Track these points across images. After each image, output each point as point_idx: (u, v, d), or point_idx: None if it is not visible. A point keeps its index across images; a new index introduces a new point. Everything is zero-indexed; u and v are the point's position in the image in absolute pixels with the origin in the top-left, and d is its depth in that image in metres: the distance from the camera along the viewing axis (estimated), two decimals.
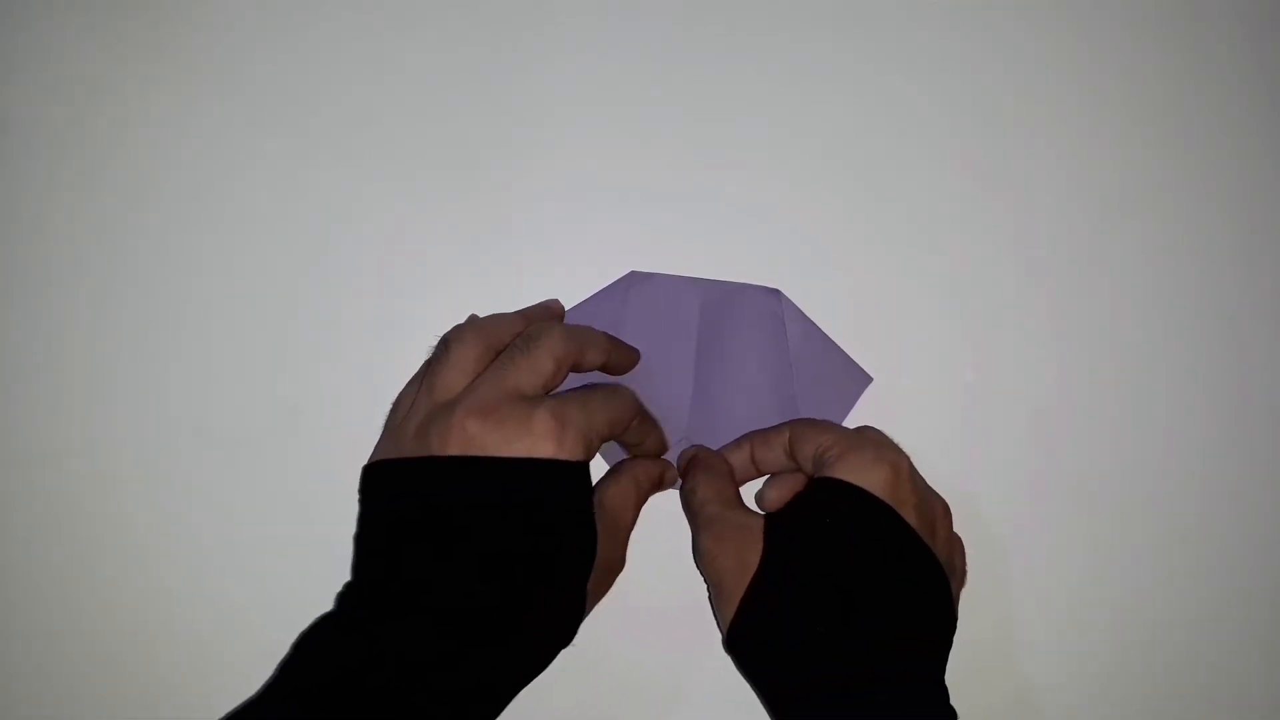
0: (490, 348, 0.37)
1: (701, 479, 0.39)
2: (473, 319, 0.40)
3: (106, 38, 0.44)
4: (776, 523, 0.36)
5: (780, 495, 0.39)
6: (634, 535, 0.38)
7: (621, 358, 0.40)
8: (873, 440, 0.37)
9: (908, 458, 0.37)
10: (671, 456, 0.42)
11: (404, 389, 0.39)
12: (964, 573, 0.39)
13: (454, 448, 0.33)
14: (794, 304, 0.43)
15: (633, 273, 0.43)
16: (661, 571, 0.40)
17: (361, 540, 0.36)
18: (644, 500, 0.39)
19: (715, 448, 0.41)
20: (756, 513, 0.37)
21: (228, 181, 0.44)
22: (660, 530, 0.40)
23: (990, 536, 0.40)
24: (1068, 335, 0.44)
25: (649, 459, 0.40)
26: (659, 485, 0.40)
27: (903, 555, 0.35)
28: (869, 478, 0.35)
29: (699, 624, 0.39)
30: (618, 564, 0.38)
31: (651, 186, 0.44)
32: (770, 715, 0.35)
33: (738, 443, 0.40)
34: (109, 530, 0.41)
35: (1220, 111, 0.46)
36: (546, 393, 0.36)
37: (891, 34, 0.46)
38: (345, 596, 0.35)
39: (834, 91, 0.45)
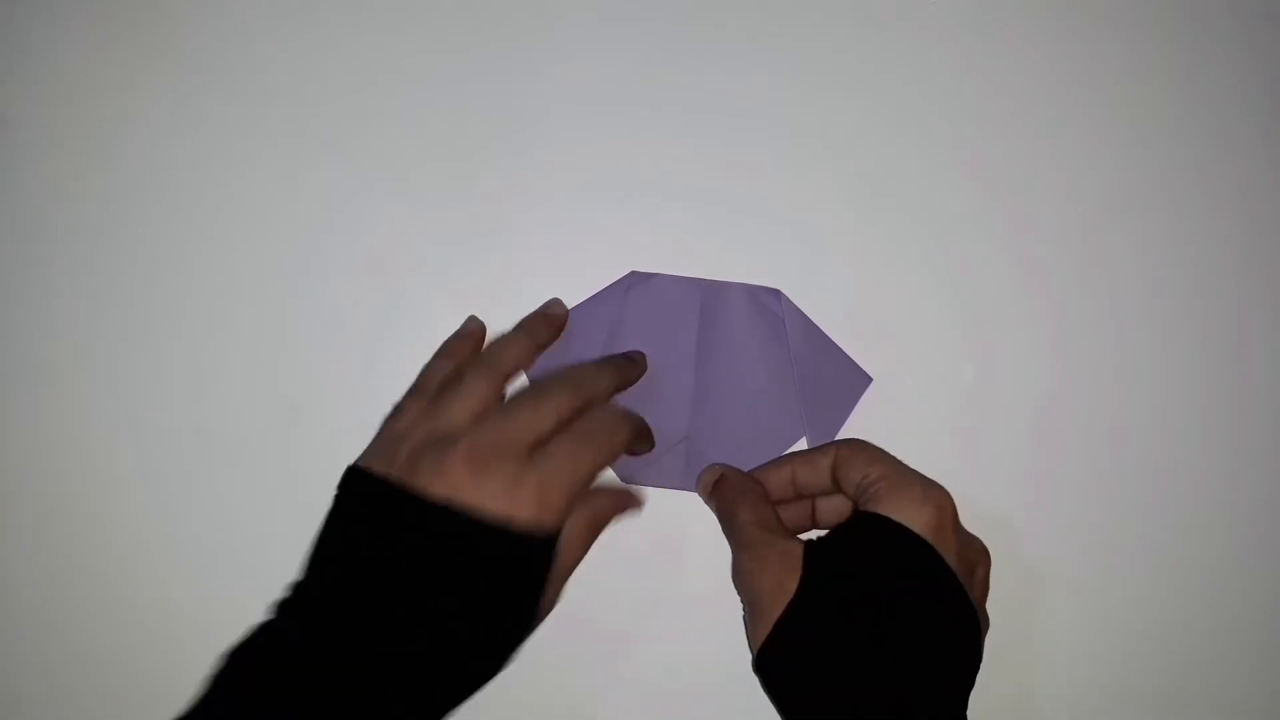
0: (501, 383, 0.38)
1: (741, 502, 0.39)
2: (474, 331, 0.41)
3: (106, 38, 0.44)
4: (817, 551, 0.36)
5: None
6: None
7: (627, 379, 0.41)
8: (920, 478, 0.37)
9: (952, 500, 0.37)
10: (674, 457, 0.42)
11: (407, 397, 0.39)
12: (987, 619, 0.38)
13: (439, 489, 0.34)
14: (794, 304, 0.43)
15: (632, 272, 0.43)
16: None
17: (323, 542, 0.36)
18: (598, 535, 0.39)
19: (716, 448, 0.42)
20: (797, 540, 0.37)
21: (228, 181, 0.44)
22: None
23: (990, 537, 0.40)
24: (1068, 335, 0.44)
25: (611, 491, 0.40)
26: (619, 517, 0.40)
27: (940, 596, 0.35)
28: (914, 516, 0.35)
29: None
30: (550, 607, 0.38)
31: (653, 186, 0.44)
32: None
33: (778, 462, 0.40)
34: (110, 530, 0.41)
35: (1220, 111, 0.46)
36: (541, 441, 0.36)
37: (892, 34, 0.46)
38: (287, 604, 0.35)
39: (835, 91, 0.45)
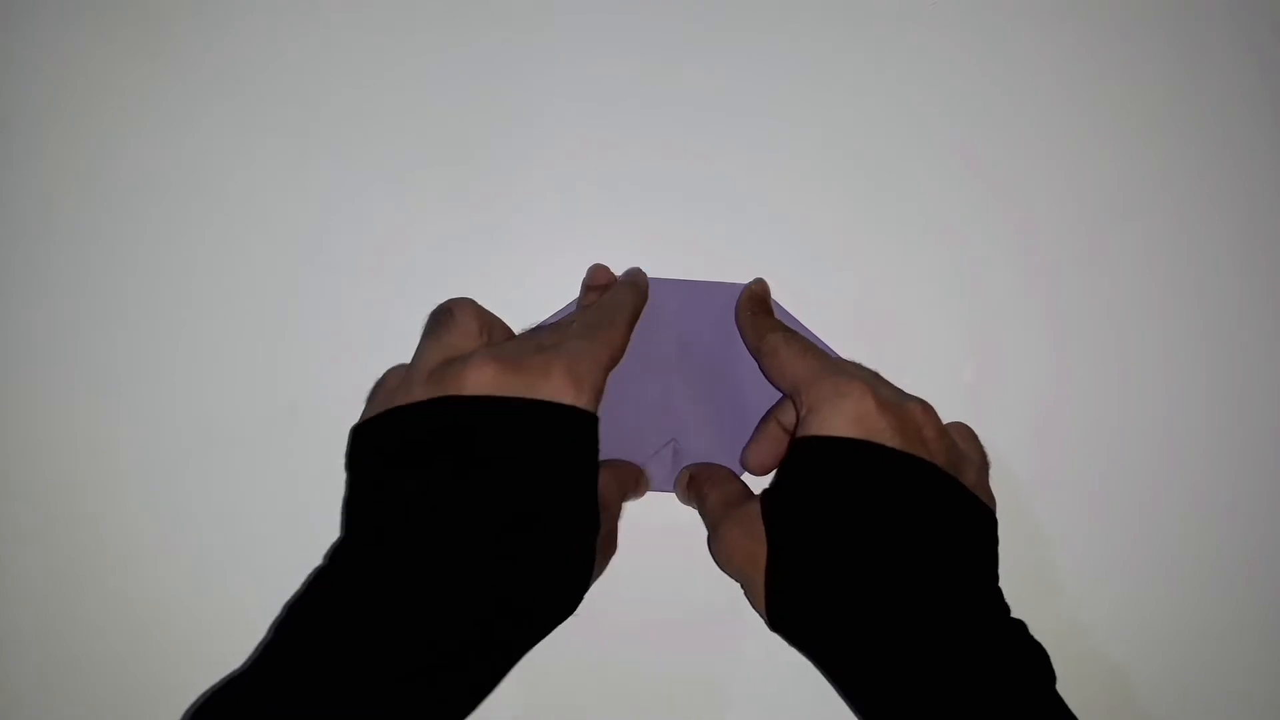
0: (484, 325, 0.37)
1: (708, 489, 0.39)
2: None
3: (106, 38, 0.44)
4: (770, 503, 0.35)
5: (758, 456, 0.40)
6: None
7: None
8: (828, 373, 0.35)
9: (870, 376, 0.36)
10: (661, 460, 0.42)
11: (391, 369, 0.38)
12: (983, 454, 0.38)
13: (473, 388, 0.32)
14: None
15: None
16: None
17: (360, 493, 0.34)
18: (624, 498, 0.38)
19: (702, 448, 0.42)
20: (753, 498, 0.36)
21: (227, 181, 0.44)
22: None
23: None
24: (1068, 335, 0.44)
25: (624, 463, 0.40)
26: (635, 489, 0.40)
27: (898, 483, 0.33)
28: (836, 420, 0.34)
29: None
30: (612, 540, 0.37)
31: (652, 187, 0.44)
32: (831, 682, 0.34)
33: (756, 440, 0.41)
34: (109, 529, 0.42)
35: (1220, 112, 0.45)
36: None
37: (893, 33, 0.45)
38: (341, 552, 0.33)
39: (835, 91, 0.45)
